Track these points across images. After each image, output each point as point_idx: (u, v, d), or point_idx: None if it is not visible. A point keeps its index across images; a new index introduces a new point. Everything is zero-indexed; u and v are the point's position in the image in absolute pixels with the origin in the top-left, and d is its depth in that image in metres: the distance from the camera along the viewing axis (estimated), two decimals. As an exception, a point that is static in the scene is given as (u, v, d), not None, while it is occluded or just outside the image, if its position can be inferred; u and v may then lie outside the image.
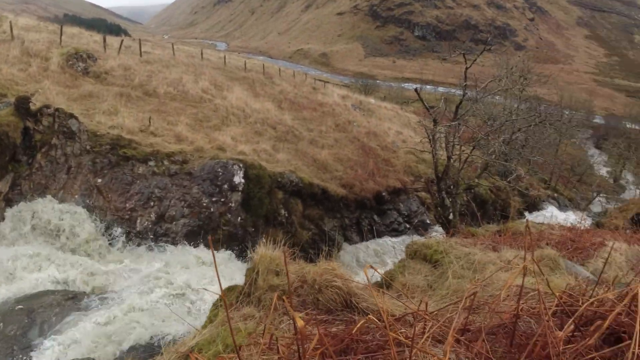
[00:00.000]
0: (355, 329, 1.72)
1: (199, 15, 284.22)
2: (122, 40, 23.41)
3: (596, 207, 33.81)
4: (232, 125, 16.85)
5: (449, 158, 12.37)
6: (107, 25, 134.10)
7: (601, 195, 36.92)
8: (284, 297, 2.30)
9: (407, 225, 17.53)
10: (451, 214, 13.82)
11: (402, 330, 2.09)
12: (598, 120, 73.66)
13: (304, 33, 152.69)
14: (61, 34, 19.48)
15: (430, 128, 12.03)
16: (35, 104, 10.52)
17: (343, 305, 3.08)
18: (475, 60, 11.58)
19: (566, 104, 55.32)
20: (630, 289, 2.15)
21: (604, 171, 49.62)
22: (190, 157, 13.31)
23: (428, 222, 17.79)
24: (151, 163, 12.57)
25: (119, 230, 11.56)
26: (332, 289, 3.13)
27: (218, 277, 1.45)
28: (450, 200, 13.94)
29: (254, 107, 19.45)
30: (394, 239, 16.99)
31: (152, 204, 12.12)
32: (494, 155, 13.52)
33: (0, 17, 21.94)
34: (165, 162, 12.82)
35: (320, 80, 51.74)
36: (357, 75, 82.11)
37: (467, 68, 11.91)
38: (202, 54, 30.21)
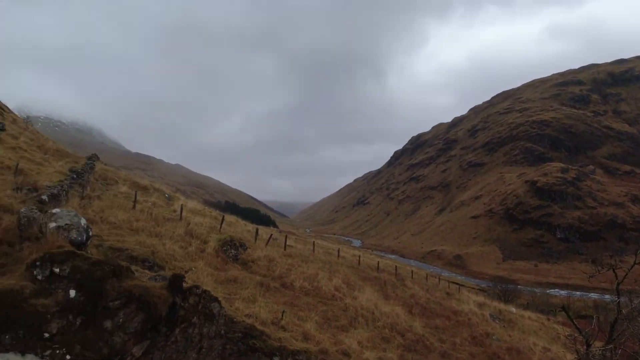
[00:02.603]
0: None
1: (339, 214, 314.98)
2: (271, 235, 26.02)
3: None
4: (359, 328, 16.01)
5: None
6: (259, 216, 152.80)
7: None
8: None
9: None
10: None
11: None
12: None
13: (438, 235, 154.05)
14: (222, 222, 22.50)
15: (583, 352, 9.88)
16: (187, 282, 11.55)
17: None
18: (629, 271, 9.86)
19: None
20: None
21: None
22: (314, 359, 12.57)
23: None
24: (276, 358, 12.13)
25: None
26: None
27: None
28: None
29: (383, 310, 18.58)
30: None
31: (266, 403, 11.21)
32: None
33: (173, 197, 26.59)
34: (289, 360, 12.23)
35: (454, 283, 49.11)
36: (495, 280, 76.00)
37: (618, 283, 10.16)
38: (338, 252, 31.59)
